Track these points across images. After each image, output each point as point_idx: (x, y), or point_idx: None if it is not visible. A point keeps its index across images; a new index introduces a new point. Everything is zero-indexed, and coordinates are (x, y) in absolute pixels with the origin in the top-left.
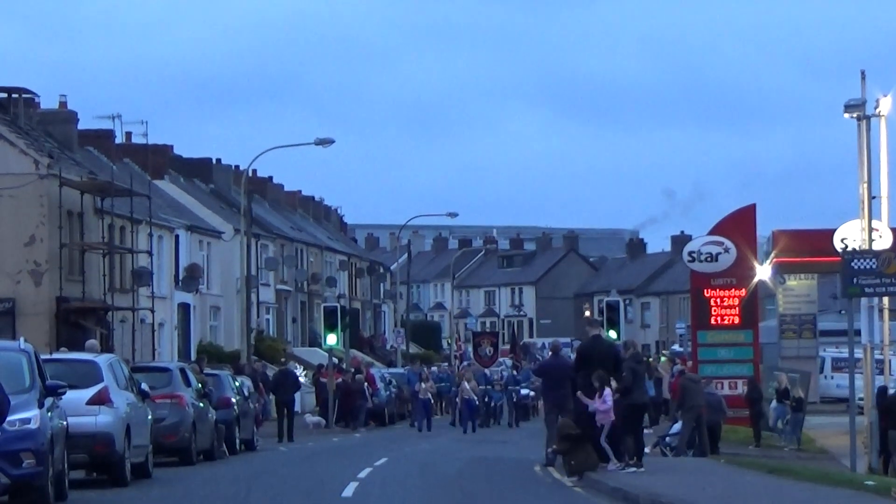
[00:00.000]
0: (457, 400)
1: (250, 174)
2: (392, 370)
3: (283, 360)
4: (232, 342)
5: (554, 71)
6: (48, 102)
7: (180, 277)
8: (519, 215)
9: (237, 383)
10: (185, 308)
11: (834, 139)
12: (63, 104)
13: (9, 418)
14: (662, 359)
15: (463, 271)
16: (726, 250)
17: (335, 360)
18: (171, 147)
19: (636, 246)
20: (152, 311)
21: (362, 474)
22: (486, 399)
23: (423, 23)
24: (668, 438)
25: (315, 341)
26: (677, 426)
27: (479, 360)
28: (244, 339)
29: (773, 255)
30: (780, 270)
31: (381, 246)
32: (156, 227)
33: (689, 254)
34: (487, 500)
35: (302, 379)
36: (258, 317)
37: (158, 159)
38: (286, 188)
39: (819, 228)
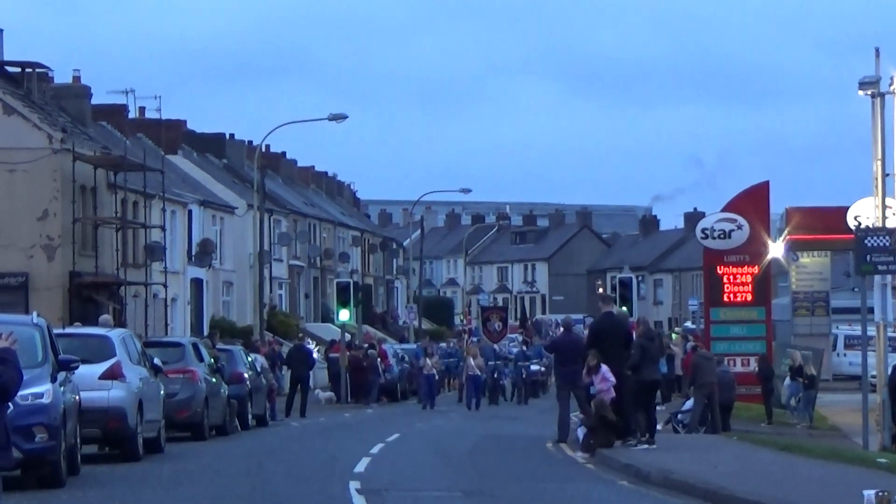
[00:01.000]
0: (462, 376)
1: (263, 149)
2: (404, 346)
3: (300, 335)
4: (244, 317)
5: (566, 46)
6: (62, 77)
7: (193, 252)
8: (532, 191)
9: (249, 358)
10: (197, 283)
11: (848, 116)
12: (77, 79)
13: (21, 392)
14: (674, 335)
15: (476, 247)
16: (739, 227)
17: (348, 335)
18: (185, 122)
19: (649, 222)
20: (165, 286)
21: (374, 450)
22: (495, 375)
23: None
24: (680, 415)
25: (328, 317)
26: (689, 403)
27: (487, 335)
28: (257, 314)
29: (786, 232)
30: (794, 248)
31: (394, 222)
32: (169, 202)
33: (703, 231)
34: (499, 476)
35: (315, 355)
36: (271, 292)
37: (172, 134)
38: (299, 164)
39: (832, 206)
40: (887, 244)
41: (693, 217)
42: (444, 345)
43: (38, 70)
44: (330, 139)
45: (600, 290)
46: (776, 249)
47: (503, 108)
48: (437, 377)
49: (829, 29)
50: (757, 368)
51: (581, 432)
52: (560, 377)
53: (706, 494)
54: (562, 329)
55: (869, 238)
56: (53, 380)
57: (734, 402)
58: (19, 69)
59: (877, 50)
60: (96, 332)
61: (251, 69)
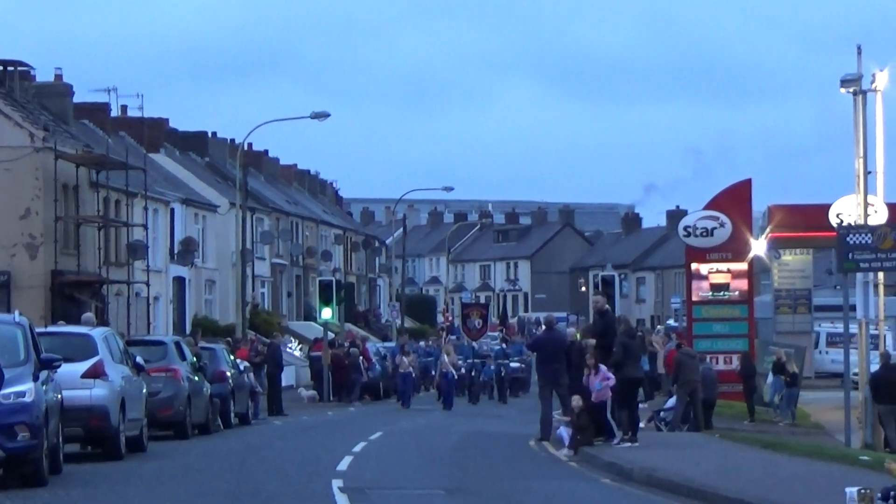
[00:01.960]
0: (436, 374)
1: (246, 148)
2: (387, 344)
3: (274, 333)
4: (227, 316)
5: (550, 44)
6: (43, 75)
7: (175, 251)
8: (514, 189)
9: (232, 357)
10: (180, 281)
11: (830, 113)
12: (58, 77)
13: (3, 391)
14: (659, 330)
15: (458, 245)
16: (722, 225)
17: (330, 334)
18: (167, 120)
19: (631, 220)
20: (147, 284)
21: (357, 448)
22: (472, 373)
23: None
24: (662, 413)
25: (310, 315)
26: (672, 401)
27: (467, 333)
28: (239, 312)
29: (768, 229)
30: (776, 245)
31: (377, 220)
32: (151, 200)
33: (685, 228)
34: (482, 474)
35: (297, 353)
36: (253, 290)
37: (154, 132)
38: (282, 162)
39: (815, 203)
40: (869, 242)
41: (676, 215)
42: (422, 343)
43: (19, 68)
44: (312, 137)
45: (587, 292)
46: (758, 247)
47: (486, 106)
48: (414, 376)
49: (812, 26)
50: (739, 366)
51: (563, 431)
52: (542, 375)
53: (689, 492)
54: (543, 327)
55: (851, 236)
56: (36, 378)
57: (716, 400)
58: (1, 67)
59: (859, 48)
60: (78, 330)
61: (233, 67)
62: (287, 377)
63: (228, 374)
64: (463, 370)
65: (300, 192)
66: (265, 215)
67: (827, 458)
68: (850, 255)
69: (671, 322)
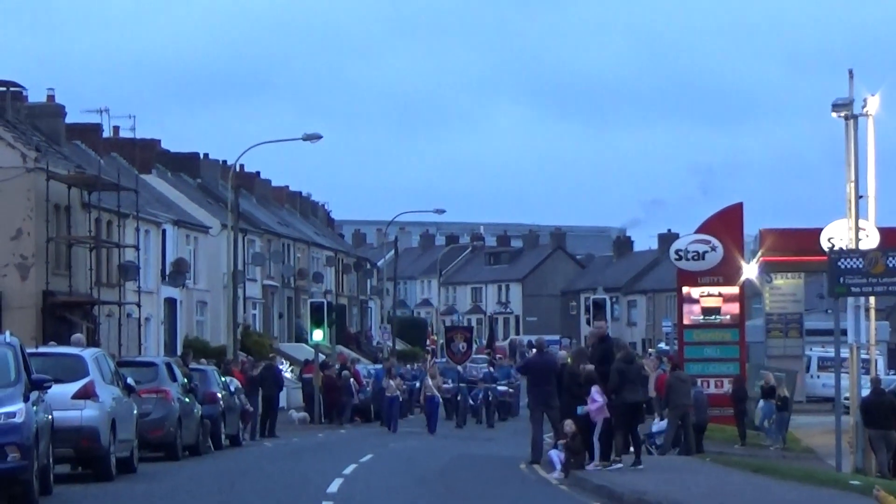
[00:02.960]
0: (421, 397)
1: (237, 169)
2: (378, 366)
3: (270, 355)
4: (218, 337)
5: (539, 67)
6: (36, 96)
7: (167, 272)
8: (506, 212)
9: (223, 379)
10: (171, 303)
11: (821, 137)
12: (51, 98)
13: None
14: (650, 354)
15: (450, 268)
16: (713, 249)
17: (321, 356)
18: (159, 141)
19: (623, 244)
20: (139, 305)
21: (347, 471)
22: (458, 397)
23: (408, 16)
24: (653, 437)
25: (301, 337)
26: (662, 424)
27: (451, 357)
28: (230, 334)
29: (759, 253)
30: (767, 269)
31: (368, 242)
32: (143, 221)
33: (676, 252)
34: (472, 497)
35: (288, 375)
36: (245, 312)
37: (146, 154)
38: (273, 183)
39: (806, 227)
40: (860, 266)
41: (667, 238)
42: (408, 367)
43: (11, 89)
44: (304, 159)
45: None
46: (750, 271)
47: (477, 128)
48: (400, 399)
49: (801, 49)
50: (731, 390)
51: (554, 454)
52: (533, 398)
53: None
54: (534, 350)
55: (842, 260)
56: (26, 399)
57: (707, 424)
58: None
59: (850, 72)
60: (69, 351)
61: (225, 88)
62: (280, 399)
63: (219, 395)
64: (449, 394)
65: (292, 214)
66: (257, 237)
67: (817, 483)
68: (842, 280)
69: (662, 345)
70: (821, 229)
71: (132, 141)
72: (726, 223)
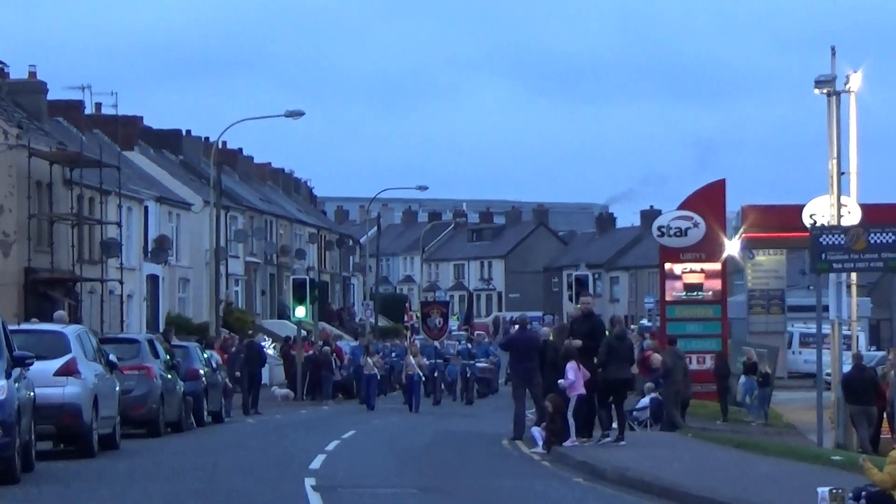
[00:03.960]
0: (402, 376)
1: (220, 146)
2: (354, 343)
3: (249, 332)
4: (201, 314)
5: (522, 44)
6: (17, 73)
7: (149, 249)
8: (488, 189)
9: (205, 355)
10: (153, 280)
11: (804, 114)
12: (32, 74)
13: None
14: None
15: (432, 244)
16: (695, 225)
17: (304, 332)
18: (141, 118)
19: (605, 220)
20: (121, 282)
21: (330, 447)
22: (435, 374)
23: None
24: (635, 413)
25: (284, 314)
26: (644, 400)
27: (427, 332)
28: (213, 311)
29: (742, 230)
30: (749, 245)
31: (351, 219)
32: (125, 198)
33: (659, 228)
34: (455, 472)
35: (270, 351)
36: (227, 289)
37: (128, 130)
38: (256, 160)
39: (788, 204)
40: (842, 242)
41: (649, 215)
42: (387, 344)
43: None
44: (286, 136)
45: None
46: (732, 247)
47: (460, 106)
48: (378, 377)
49: (786, 26)
50: (714, 366)
51: (536, 430)
52: (516, 374)
53: (661, 491)
54: (517, 326)
55: (824, 236)
56: (8, 376)
57: (690, 400)
58: None
59: (833, 49)
60: (51, 328)
61: (207, 65)
62: (263, 375)
63: (202, 371)
64: (426, 371)
65: (274, 191)
66: (239, 214)
67: (799, 458)
68: (824, 256)
69: (645, 322)
70: (803, 206)
71: (114, 118)
72: (708, 200)
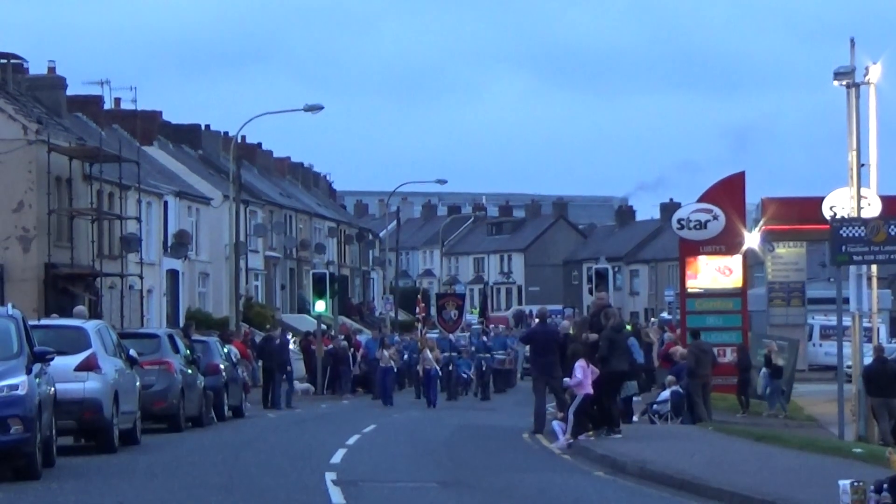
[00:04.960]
0: (417, 369)
1: (239, 140)
2: (366, 336)
3: (268, 326)
4: (220, 309)
5: (541, 35)
6: (37, 68)
7: (169, 244)
8: (508, 182)
9: (225, 349)
10: (173, 274)
11: (823, 106)
12: (52, 70)
13: None
14: (653, 323)
15: (452, 238)
16: (715, 218)
17: (324, 326)
18: (160, 113)
19: (625, 213)
20: (141, 277)
21: (351, 441)
22: (450, 368)
23: None
24: (655, 406)
25: (304, 308)
26: (665, 393)
27: (442, 325)
28: (233, 305)
29: (761, 222)
30: (769, 238)
31: (370, 213)
32: (144, 193)
33: (678, 221)
34: (475, 466)
35: (291, 346)
36: (247, 283)
37: (147, 125)
38: (275, 154)
39: (808, 196)
40: (862, 234)
41: (669, 208)
42: (397, 337)
43: (12, 61)
44: (306, 130)
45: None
46: (752, 240)
47: (479, 98)
48: (395, 371)
49: (805, 18)
50: (736, 359)
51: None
52: (536, 368)
53: (681, 484)
54: (537, 320)
55: (844, 228)
56: (29, 371)
57: (711, 393)
58: None
59: (852, 40)
60: (72, 323)
61: (225, 58)
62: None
63: (222, 366)
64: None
65: (294, 185)
66: (259, 208)
67: (820, 451)
68: (844, 248)
69: (665, 315)
70: (823, 198)
71: (133, 113)
72: (728, 192)
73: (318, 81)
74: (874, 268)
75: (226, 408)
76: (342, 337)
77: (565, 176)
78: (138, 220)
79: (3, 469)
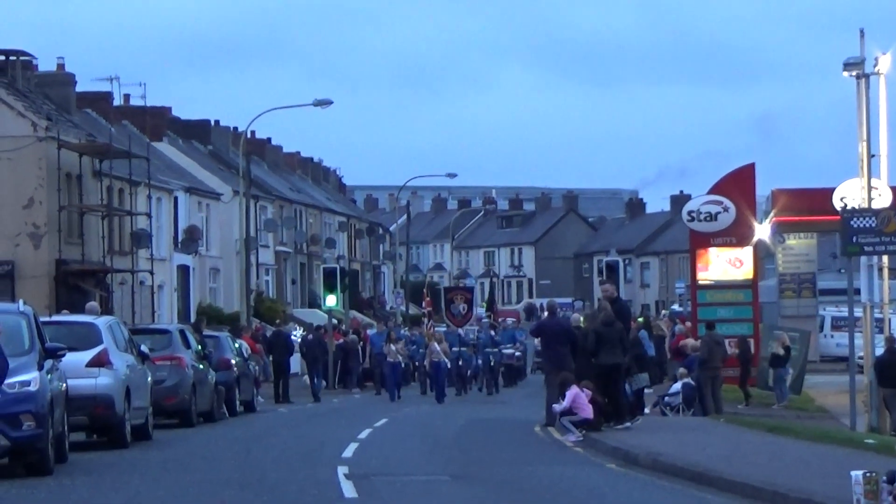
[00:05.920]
0: (424, 364)
1: (249, 135)
2: (372, 331)
3: (277, 321)
4: (231, 304)
5: (550, 29)
6: (46, 65)
7: (179, 239)
8: (518, 175)
9: (236, 345)
10: (184, 270)
11: (833, 96)
12: (61, 66)
13: (8, 381)
14: (664, 315)
15: (462, 232)
16: (725, 209)
17: (335, 321)
18: (170, 109)
19: (635, 206)
20: (152, 273)
21: (362, 435)
22: (460, 363)
23: None
24: (667, 398)
25: (315, 303)
26: (676, 386)
27: (451, 319)
28: (244, 300)
29: (772, 214)
30: (780, 229)
31: (381, 207)
32: (154, 189)
33: (689, 213)
34: (487, 459)
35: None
36: (257, 278)
37: (157, 121)
38: (285, 149)
39: (818, 187)
40: (873, 225)
41: (679, 200)
42: (404, 332)
43: (21, 58)
44: (315, 125)
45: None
46: (762, 231)
47: (487, 91)
48: (402, 365)
49: (814, 8)
50: (738, 351)
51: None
52: (547, 361)
53: (694, 476)
54: (546, 313)
55: (855, 219)
56: (40, 368)
57: (721, 385)
58: (3, 57)
59: (861, 31)
60: (83, 319)
61: (234, 54)
62: (292, 364)
63: (233, 361)
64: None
65: (303, 180)
66: (269, 203)
67: (832, 442)
68: (855, 239)
69: (676, 307)
70: (833, 189)
71: (143, 109)
72: (738, 184)
73: (328, 76)
74: (885, 258)
75: (237, 403)
76: (351, 331)
77: (575, 169)
78: (148, 215)
79: (16, 465)
